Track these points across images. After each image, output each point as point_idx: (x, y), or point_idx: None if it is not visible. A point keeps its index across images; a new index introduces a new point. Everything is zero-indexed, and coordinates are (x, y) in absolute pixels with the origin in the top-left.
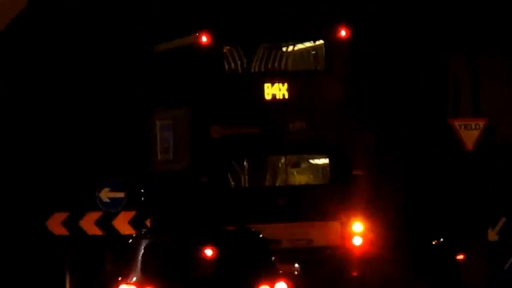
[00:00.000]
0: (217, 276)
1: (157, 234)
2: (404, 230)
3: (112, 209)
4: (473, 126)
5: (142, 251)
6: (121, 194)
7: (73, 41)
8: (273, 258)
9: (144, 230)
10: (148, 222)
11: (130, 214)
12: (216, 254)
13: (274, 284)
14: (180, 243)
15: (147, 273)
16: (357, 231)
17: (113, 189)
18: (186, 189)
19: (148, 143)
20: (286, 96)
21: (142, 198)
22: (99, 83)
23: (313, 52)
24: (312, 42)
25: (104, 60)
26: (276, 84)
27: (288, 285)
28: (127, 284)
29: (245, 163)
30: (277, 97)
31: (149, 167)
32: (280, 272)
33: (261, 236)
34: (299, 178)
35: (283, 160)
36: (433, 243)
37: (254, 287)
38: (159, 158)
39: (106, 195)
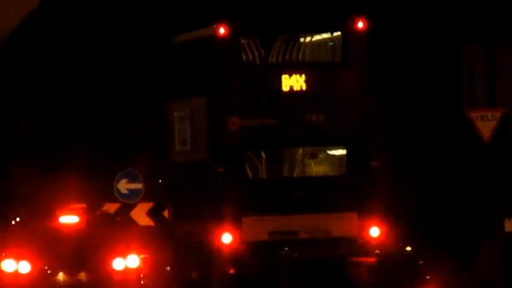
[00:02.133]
0: None
1: None
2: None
3: (129, 200)
4: (490, 117)
5: None
6: (139, 185)
7: (93, 32)
8: None
9: None
10: (165, 213)
11: (148, 205)
12: None
13: None
14: None
15: None
16: (375, 223)
17: (131, 180)
18: (204, 180)
19: (166, 134)
20: (304, 88)
21: (160, 189)
22: (119, 74)
23: (331, 43)
24: (329, 33)
25: (124, 52)
26: (294, 76)
27: None
28: None
29: (262, 154)
30: (295, 88)
31: (167, 158)
32: None
33: None
34: (316, 169)
35: (300, 151)
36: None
37: None
38: (177, 149)
39: (124, 186)
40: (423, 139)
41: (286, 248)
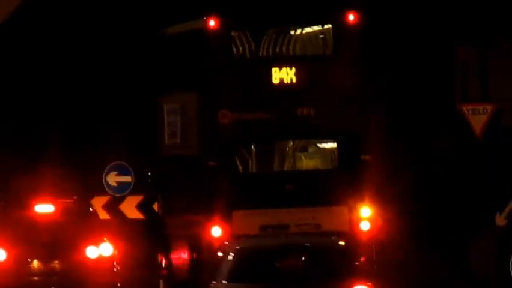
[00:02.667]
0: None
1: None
2: (412, 216)
3: (119, 193)
4: (481, 111)
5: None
6: (128, 178)
7: (82, 24)
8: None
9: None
10: (155, 207)
11: (138, 198)
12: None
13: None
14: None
15: None
16: (365, 217)
17: (120, 173)
18: (194, 174)
19: (156, 127)
20: (294, 81)
21: (150, 182)
22: (108, 67)
23: (322, 37)
24: (320, 26)
25: (113, 45)
26: (284, 69)
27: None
28: None
29: (253, 148)
30: (285, 81)
31: (156, 151)
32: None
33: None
34: (307, 163)
35: (291, 145)
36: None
37: None
38: (167, 142)
39: (113, 179)
40: (416, 134)
41: None
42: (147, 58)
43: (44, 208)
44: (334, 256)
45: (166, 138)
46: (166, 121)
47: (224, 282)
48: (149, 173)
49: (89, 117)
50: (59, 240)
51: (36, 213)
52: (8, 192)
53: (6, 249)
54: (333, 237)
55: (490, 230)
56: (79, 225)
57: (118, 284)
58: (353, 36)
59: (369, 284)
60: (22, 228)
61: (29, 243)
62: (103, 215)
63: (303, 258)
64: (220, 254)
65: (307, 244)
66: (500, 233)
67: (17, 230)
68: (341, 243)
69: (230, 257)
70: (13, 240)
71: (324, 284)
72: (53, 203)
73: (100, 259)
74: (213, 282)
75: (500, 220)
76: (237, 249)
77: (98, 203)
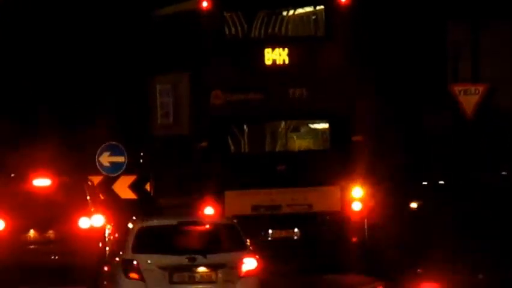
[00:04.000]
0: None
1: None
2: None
3: (112, 173)
4: (473, 91)
5: None
6: (121, 159)
7: (74, 5)
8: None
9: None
10: (147, 187)
11: (130, 178)
12: None
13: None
14: None
15: None
16: (357, 197)
17: (113, 154)
18: (186, 154)
19: (148, 107)
20: (287, 62)
21: (141, 161)
22: (100, 47)
23: (314, 18)
24: (312, 7)
25: (105, 25)
26: (277, 50)
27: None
28: None
29: (245, 128)
30: (278, 62)
31: (148, 131)
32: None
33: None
34: (299, 144)
35: (283, 125)
36: None
37: None
38: (159, 122)
39: (106, 159)
40: (407, 114)
41: None
42: (139, 39)
43: (41, 182)
44: (225, 231)
45: (159, 118)
46: (158, 101)
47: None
48: (141, 153)
49: (83, 96)
50: (54, 212)
51: (34, 186)
52: (6, 167)
53: (4, 219)
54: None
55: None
56: (73, 198)
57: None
58: (345, 18)
59: (256, 256)
60: (20, 200)
61: (26, 215)
62: None
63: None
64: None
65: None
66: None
67: (14, 202)
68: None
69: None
70: (11, 211)
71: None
72: (49, 177)
73: (92, 229)
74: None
75: None
76: (140, 227)
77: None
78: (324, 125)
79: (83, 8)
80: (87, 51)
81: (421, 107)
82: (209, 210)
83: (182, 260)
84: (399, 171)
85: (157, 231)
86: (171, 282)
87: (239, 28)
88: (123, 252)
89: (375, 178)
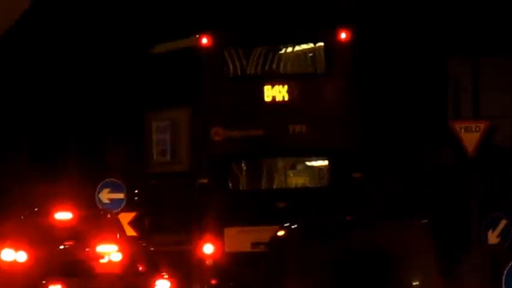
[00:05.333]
0: None
1: None
2: None
3: (111, 210)
4: (474, 129)
5: None
6: (120, 195)
7: (73, 42)
8: None
9: None
10: (146, 224)
11: (130, 215)
12: None
13: None
14: None
15: None
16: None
17: (113, 190)
18: (186, 191)
19: (144, 144)
20: (286, 99)
21: (136, 198)
22: (97, 83)
23: (314, 55)
24: (312, 44)
25: (103, 61)
26: (276, 87)
27: None
28: None
29: (245, 165)
30: (277, 99)
31: (145, 169)
32: None
33: None
34: (299, 180)
35: (283, 162)
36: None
37: None
38: (155, 159)
39: (106, 196)
40: (409, 151)
41: None
42: (137, 76)
43: (63, 215)
44: None
45: (155, 155)
46: (154, 138)
47: None
48: (136, 191)
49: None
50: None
51: (56, 219)
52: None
53: (28, 251)
54: None
55: (482, 247)
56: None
57: None
58: (345, 54)
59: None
60: (43, 233)
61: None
62: None
63: None
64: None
65: None
66: (492, 251)
67: (38, 234)
68: None
69: None
70: (34, 243)
71: None
72: (72, 210)
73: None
74: None
75: (493, 238)
76: None
77: None
78: (324, 162)
79: (81, 46)
80: (85, 86)
81: (422, 142)
82: (208, 248)
83: None
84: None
85: None
86: None
87: (239, 65)
88: None
89: (375, 214)
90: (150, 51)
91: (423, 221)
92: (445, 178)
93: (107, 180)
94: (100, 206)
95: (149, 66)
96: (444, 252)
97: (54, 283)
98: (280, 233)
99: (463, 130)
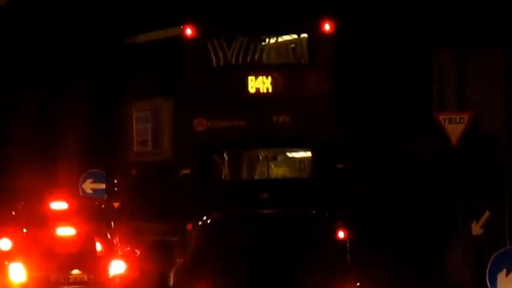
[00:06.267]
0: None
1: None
2: (388, 223)
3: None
4: (458, 120)
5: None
6: (103, 185)
7: (51, 31)
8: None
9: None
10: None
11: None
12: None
13: None
14: None
15: None
16: (340, 225)
17: (96, 181)
18: (167, 181)
19: (124, 135)
20: (270, 90)
21: (116, 189)
22: (79, 72)
23: (298, 45)
24: (296, 35)
25: (83, 50)
26: (260, 78)
27: None
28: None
29: (228, 156)
30: (261, 90)
31: (124, 158)
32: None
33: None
34: (282, 171)
35: (266, 153)
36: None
37: None
38: (135, 149)
39: (89, 186)
40: (392, 142)
41: None
42: (116, 66)
43: (58, 205)
44: None
45: (135, 145)
46: (134, 128)
47: None
48: (115, 181)
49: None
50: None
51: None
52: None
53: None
54: None
55: (465, 239)
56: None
57: None
58: (329, 45)
59: None
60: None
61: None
62: None
63: None
64: None
65: None
66: (475, 242)
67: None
68: None
69: None
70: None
71: None
72: (67, 199)
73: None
74: None
75: (476, 229)
76: None
77: None
78: (308, 153)
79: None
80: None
81: (406, 135)
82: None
83: None
84: (383, 198)
85: None
86: None
87: (222, 55)
88: None
89: (359, 205)
90: (130, 41)
91: (326, 214)
92: (430, 168)
93: (90, 170)
94: (83, 196)
95: (129, 57)
96: (428, 244)
97: (15, 261)
98: (197, 223)
99: (447, 121)
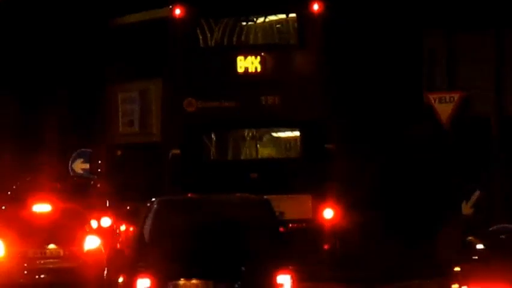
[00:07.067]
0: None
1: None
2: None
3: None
4: (448, 99)
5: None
6: None
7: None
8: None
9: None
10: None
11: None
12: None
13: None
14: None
15: None
16: (329, 205)
17: (86, 161)
18: (156, 162)
19: (107, 115)
20: (259, 70)
21: (99, 170)
22: (66, 54)
23: (286, 26)
24: (284, 15)
25: (70, 33)
26: (249, 58)
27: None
28: None
29: (218, 136)
30: (250, 70)
31: (109, 140)
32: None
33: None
34: (271, 151)
35: (255, 133)
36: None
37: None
38: (121, 130)
39: (79, 166)
40: (382, 122)
41: None
42: (101, 48)
43: (41, 207)
44: None
45: (120, 126)
46: (120, 109)
47: None
48: (99, 161)
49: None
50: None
51: (34, 212)
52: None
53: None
54: None
55: (456, 218)
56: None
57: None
58: (318, 26)
59: None
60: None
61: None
62: None
63: None
64: None
65: None
66: (465, 222)
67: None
68: None
69: None
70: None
71: None
72: (50, 201)
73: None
74: None
75: (466, 209)
76: None
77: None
78: (297, 133)
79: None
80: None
81: (399, 116)
82: None
83: None
84: (373, 178)
85: None
86: None
87: (211, 36)
88: None
89: (348, 186)
90: (114, 24)
91: (265, 198)
92: (420, 149)
93: (80, 150)
94: (73, 176)
95: (115, 38)
96: (419, 223)
97: None
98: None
99: (437, 101)
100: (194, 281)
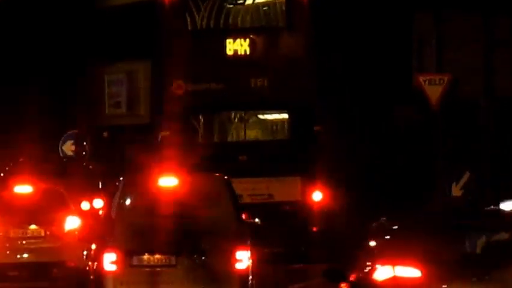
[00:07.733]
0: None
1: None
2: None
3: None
4: (437, 81)
5: None
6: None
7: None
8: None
9: None
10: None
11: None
12: None
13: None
14: None
15: None
16: (317, 187)
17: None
18: (145, 143)
19: (92, 97)
20: (248, 52)
21: (84, 153)
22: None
23: (275, 9)
24: None
25: (54, 15)
26: (238, 40)
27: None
28: None
29: (207, 118)
30: (239, 53)
31: (94, 121)
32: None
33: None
34: (260, 133)
35: (244, 115)
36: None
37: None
38: (107, 112)
39: (69, 148)
40: (372, 104)
41: None
42: (86, 30)
43: (23, 189)
44: None
45: (107, 108)
46: (106, 91)
47: None
48: (84, 143)
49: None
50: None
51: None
52: None
53: None
54: None
55: (445, 200)
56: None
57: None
58: (306, 8)
59: None
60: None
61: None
62: None
63: None
64: None
65: None
66: (455, 203)
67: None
68: None
69: None
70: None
71: None
72: (32, 182)
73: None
74: None
75: (456, 190)
76: None
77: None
78: (285, 115)
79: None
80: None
81: (389, 98)
82: None
83: None
84: (362, 160)
85: None
86: None
87: (201, 18)
88: None
89: (337, 168)
90: (103, 4)
91: (224, 177)
92: (409, 132)
93: (69, 132)
94: (64, 158)
95: (102, 19)
96: (409, 205)
97: None
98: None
99: (426, 83)
100: (157, 256)
